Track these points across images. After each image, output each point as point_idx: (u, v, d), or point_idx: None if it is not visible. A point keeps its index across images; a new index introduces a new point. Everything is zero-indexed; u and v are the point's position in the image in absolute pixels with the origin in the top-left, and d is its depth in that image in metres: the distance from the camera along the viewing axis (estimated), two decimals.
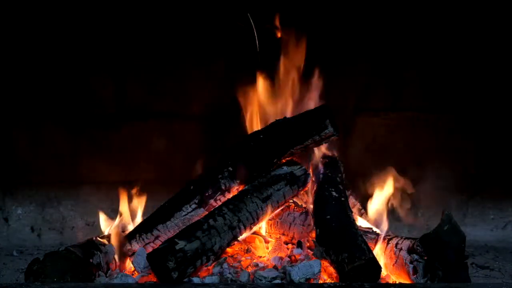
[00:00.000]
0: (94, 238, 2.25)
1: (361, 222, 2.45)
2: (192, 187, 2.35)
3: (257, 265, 2.16)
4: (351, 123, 3.13)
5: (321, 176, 2.45)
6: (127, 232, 2.36)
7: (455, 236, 1.98)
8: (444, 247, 1.96)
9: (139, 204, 2.47)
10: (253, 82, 2.61)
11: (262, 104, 2.57)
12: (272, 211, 2.29)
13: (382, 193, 2.43)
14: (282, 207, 2.35)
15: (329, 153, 2.55)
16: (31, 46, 3.05)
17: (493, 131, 3.14)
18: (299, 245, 2.29)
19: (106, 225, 2.40)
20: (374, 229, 2.36)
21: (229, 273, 2.06)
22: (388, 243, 2.19)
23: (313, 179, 2.44)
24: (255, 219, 2.20)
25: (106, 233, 2.37)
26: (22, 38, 3.04)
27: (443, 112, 3.15)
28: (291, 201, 2.40)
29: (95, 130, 3.12)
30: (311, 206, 2.36)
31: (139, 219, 2.45)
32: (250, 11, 2.96)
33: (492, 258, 2.79)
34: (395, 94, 3.15)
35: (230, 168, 2.33)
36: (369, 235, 2.28)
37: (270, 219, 2.39)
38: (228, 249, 2.20)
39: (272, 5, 2.95)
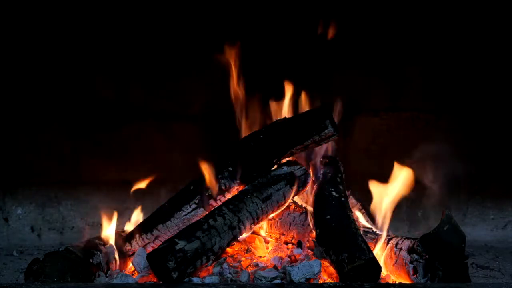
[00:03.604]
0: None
1: (361, 221, 2.45)
2: (192, 187, 2.35)
3: (257, 265, 2.16)
4: (351, 123, 3.13)
5: (321, 176, 2.45)
6: (127, 232, 2.36)
7: (455, 236, 1.98)
8: (444, 247, 1.96)
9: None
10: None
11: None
12: (272, 211, 2.29)
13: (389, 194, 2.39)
14: (282, 207, 2.35)
15: (329, 153, 2.55)
16: (33, 47, 3.05)
17: (494, 131, 3.14)
18: (299, 245, 2.29)
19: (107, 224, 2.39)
20: (374, 229, 2.36)
21: (229, 273, 2.06)
22: (388, 243, 2.19)
23: (313, 179, 2.44)
24: (255, 219, 2.20)
25: (106, 233, 2.36)
26: (24, 39, 3.04)
27: (443, 112, 3.15)
28: (291, 201, 2.40)
29: (95, 130, 3.11)
30: (311, 206, 2.36)
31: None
32: (249, 13, 2.97)
33: (492, 258, 2.79)
34: (395, 94, 3.15)
35: (230, 168, 2.33)
36: (369, 235, 2.28)
37: (270, 219, 2.39)
38: (228, 249, 2.20)
39: (272, 5, 2.97)
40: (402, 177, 2.30)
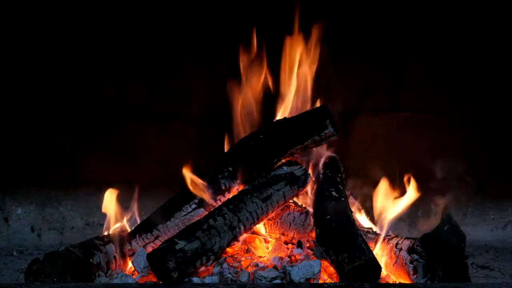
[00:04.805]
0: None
1: (361, 221, 2.45)
2: None
3: (257, 265, 2.16)
4: (351, 123, 3.13)
5: (321, 176, 2.45)
6: (127, 232, 2.36)
7: (455, 236, 1.98)
8: (444, 247, 1.96)
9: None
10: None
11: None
12: (272, 211, 2.29)
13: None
14: (282, 207, 2.35)
15: (329, 153, 2.55)
16: (32, 47, 3.05)
17: (493, 131, 3.14)
18: (299, 245, 2.29)
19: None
20: (374, 228, 2.36)
21: (229, 273, 2.06)
22: (388, 243, 2.19)
23: (313, 179, 2.44)
24: (255, 219, 2.20)
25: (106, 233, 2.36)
26: (24, 39, 3.04)
27: (443, 112, 3.15)
28: (291, 201, 2.40)
29: (95, 130, 3.12)
30: (311, 206, 2.36)
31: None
32: (249, 13, 2.97)
33: (492, 258, 2.79)
34: (395, 94, 3.15)
35: (230, 168, 2.33)
36: (369, 235, 2.28)
37: (270, 219, 2.39)
38: (228, 249, 2.20)
39: (271, 5, 2.97)
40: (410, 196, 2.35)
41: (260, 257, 2.27)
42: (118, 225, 2.37)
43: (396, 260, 2.10)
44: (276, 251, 2.28)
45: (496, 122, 3.14)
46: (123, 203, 2.89)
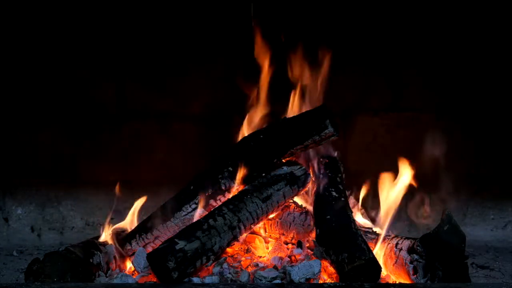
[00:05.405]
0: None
1: (361, 221, 2.45)
2: (192, 187, 2.35)
3: (257, 265, 2.16)
4: (351, 123, 3.13)
5: (321, 176, 2.45)
6: (127, 232, 2.36)
7: (455, 236, 1.98)
8: (444, 247, 1.96)
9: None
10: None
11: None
12: (272, 211, 2.29)
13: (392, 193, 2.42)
14: (282, 207, 2.35)
15: (329, 153, 2.55)
16: (32, 47, 3.05)
17: (493, 131, 3.14)
18: (299, 245, 2.29)
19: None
20: (374, 229, 2.36)
21: (229, 273, 2.06)
22: (388, 243, 2.19)
23: (313, 179, 2.44)
24: (255, 219, 2.20)
25: (106, 233, 2.36)
26: (23, 39, 3.04)
27: (443, 112, 3.15)
28: (291, 201, 2.40)
29: (95, 130, 3.12)
30: (311, 206, 2.36)
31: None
32: (249, 13, 2.97)
33: (492, 258, 2.79)
34: (395, 94, 3.15)
35: (230, 168, 2.33)
36: (369, 235, 2.28)
37: (270, 219, 2.39)
38: (228, 249, 2.20)
39: (272, 6, 2.97)
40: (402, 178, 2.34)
41: (260, 257, 2.27)
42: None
43: (396, 260, 2.10)
44: (276, 251, 2.28)
45: (495, 122, 3.14)
46: (123, 203, 2.90)
